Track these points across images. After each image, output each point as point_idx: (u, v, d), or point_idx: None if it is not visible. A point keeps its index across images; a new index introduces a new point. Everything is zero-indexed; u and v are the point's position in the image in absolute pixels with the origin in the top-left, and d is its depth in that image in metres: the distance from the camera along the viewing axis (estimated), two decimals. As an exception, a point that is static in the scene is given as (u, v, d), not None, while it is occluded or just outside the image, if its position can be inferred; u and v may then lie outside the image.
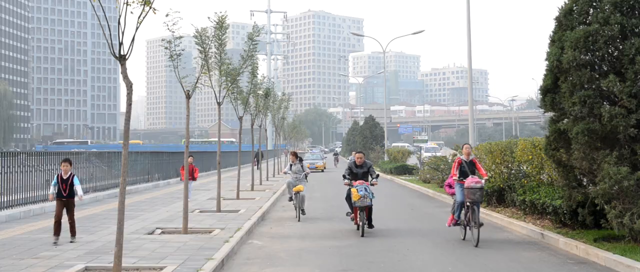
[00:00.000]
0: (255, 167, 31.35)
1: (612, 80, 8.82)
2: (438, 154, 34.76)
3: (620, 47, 9.16)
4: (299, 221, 14.25)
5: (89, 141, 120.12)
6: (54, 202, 10.45)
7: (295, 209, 14.83)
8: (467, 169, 11.14)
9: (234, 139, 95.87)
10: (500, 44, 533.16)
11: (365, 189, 11.58)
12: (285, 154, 57.46)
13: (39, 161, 16.07)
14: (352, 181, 12.03)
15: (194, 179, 18.07)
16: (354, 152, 13.05)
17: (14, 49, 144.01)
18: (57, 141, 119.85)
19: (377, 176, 12.35)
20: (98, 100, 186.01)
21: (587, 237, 9.78)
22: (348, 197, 12.10)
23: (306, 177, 15.25)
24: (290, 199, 15.28)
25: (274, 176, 34.43)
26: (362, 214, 11.67)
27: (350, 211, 12.38)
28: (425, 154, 36.81)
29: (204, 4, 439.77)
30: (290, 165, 15.35)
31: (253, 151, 27.99)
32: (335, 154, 59.04)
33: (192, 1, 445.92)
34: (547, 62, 10.10)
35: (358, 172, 12.19)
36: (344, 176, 12.33)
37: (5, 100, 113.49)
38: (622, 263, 8.10)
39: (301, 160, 15.58)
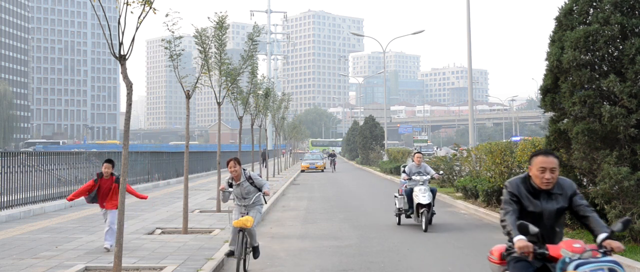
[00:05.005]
0: (263, 165, 31.69)
1: (613, 80, 8.81)
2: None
3: (621, 47, 9.16)
4: None
5: (61, 141, 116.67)
6: (55, 202, 10.21)
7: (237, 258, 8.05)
8: None
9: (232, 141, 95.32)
10: (500, 44, 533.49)
11: None
12: (284, 153, 56.22)
13: (39, 161, 16.06)
14: (545, 246, 4.21)
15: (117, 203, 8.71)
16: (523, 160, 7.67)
17: (14, 49, 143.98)
18: (29, 140, 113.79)
19: (628, 225, 4.37)
20: (98, 100, 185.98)
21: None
22: None
23: (265, 201, 8.67)
24: (230, 253, 8.31)
25: (273, 176, 34.45)
26: None
27: None
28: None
29: (204, 4, 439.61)
30: (230, 184, 8.34)
31: (260, 151, 28.17)
32: (332, 156, 47.24)
33: (192, 1, 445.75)
34: (547, 62, 10.10)
35: (546, 212, 4.46)
36: (521, 229, 4.14)
37: (5, 100, 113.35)
38: (621, 263, 8.06)
39: (249, 174, 8.43)
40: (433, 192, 12.58)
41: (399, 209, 13.32)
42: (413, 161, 13.35)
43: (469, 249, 10.16)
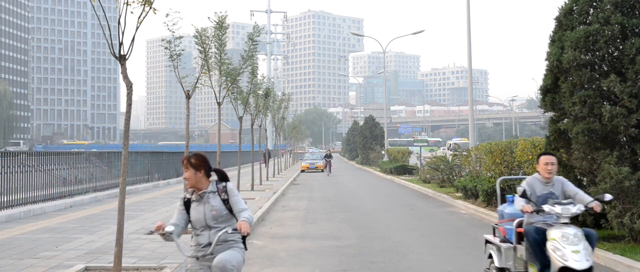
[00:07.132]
0: (264, 165, 31.84)
1: (613, 80, 8.81)
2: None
3: (621, 47, 9.16)
4: None
5: (21, 142, 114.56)
6: (55, 202, 10.09)
7: None
8: None
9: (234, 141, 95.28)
10: (500, 44, 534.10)
11: None
12: (283, 153, 55.86)
13: (39, 161, 16.06)
14: None
15: None
16: None
17: (14, 49, 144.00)
18: None
19: None
20: (98, 100, 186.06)
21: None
22: None
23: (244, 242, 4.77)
24: None
25: (273, 176, 34.45)
26: None
27: None
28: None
29: (204, 4, 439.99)
30: (187, 201, 4.87)
31: (261, 150, 28.29)
32: (328, 157, 41.05)
33: (192, 1, 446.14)
34: (547, 62, 10.10)
35: None
36: None
37: (5, 100, 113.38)
38: (622, 263, 8.09)
39: (224, 184, 4.76)
40: (590, 239, 5.55)
41: (500, 269, 6.38)
42: (537, 172, 6.19)
43: (469, 249, 10.15)
